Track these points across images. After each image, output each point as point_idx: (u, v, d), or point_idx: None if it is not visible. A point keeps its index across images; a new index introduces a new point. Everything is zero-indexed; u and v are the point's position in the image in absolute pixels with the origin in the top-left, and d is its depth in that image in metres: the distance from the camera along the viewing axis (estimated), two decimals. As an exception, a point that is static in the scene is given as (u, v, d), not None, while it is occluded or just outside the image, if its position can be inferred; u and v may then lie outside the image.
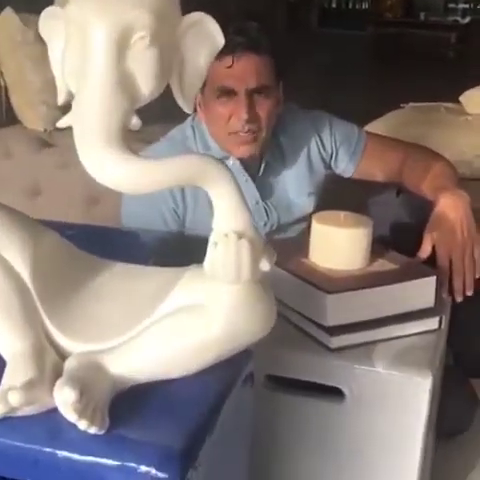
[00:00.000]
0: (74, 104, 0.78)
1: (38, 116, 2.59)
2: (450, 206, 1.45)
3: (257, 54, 1.51)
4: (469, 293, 1.40)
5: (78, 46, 0.77)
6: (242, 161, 1.60)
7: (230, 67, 1.49)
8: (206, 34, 0.83)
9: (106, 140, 0.75)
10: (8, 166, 2.42)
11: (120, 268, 0.97)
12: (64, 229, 0.98)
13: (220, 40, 0.84)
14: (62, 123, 0.80)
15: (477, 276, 1.42)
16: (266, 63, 1.53)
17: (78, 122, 0.77)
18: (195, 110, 1.59)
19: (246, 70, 1.51)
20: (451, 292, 1.39)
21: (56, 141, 2.50)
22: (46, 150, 2.46)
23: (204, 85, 1.51)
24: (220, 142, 1.58)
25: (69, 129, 0.79)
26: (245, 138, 1.54)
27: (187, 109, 0.85)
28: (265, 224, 1.64)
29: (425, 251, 1.41)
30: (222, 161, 0.81)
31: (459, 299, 1.39)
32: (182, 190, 1.56)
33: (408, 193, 1.66)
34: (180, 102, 0.84)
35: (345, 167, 1.71)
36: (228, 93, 1.52)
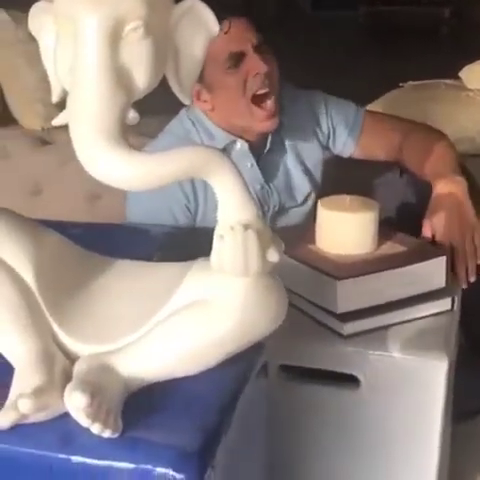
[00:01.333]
0: (69, 101, 0.76)
1: (35, 114, 2.57)
2: (447, 193, 1.43)
3: (244, 14, 1.53)
4: (472, 279, 1.38)
5: (69, 41, 0.75)
6: (250, 143, 1.58)
7: (228, 32, 1.47)
8: (200, 21, 0.81)
9: (104, 137, 0.73)
10: (7, 166, 2.40)
11: (125, 266, 0.95)
12: (66, 228, 0.97)
13: (214, 27, 0.82)
14: (58, 121, 0.79)
15: (479, 262, 1.40)
16: (253, 24, 1.54)
17: (74, 119, 0.75)
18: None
19: (244, 28, 1.52)
20: (454, 278, 1.37)
21: (54, 139, 2.47)
22: (44, 148, 2.44)
23: (203, 71, 1.49)
24: (240, 122, 1.56)
25: (67, 126, 0.77)
26: (270, 112, 1.52)
27: (185, 100, 0.83)
28: (268, 208, 1.62)
29: (425, 238, 1.39)
30: (225, 152, 0.79)
31: (463, 286, 1.37)
32: (193, 185, 1.54)
33: (411, 173, 1.64)
34: (178, 93, 0.82)
35: (343, 145, 1.69)
36: (236, 59, 1.50)
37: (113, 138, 0.73)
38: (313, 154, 1.68)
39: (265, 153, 1.62)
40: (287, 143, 1.65)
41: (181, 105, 0.87)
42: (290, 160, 1.66)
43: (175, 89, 0.82)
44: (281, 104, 1.59)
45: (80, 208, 2.33)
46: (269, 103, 1.52)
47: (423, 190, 1.52)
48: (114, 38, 0.74)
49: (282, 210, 1.65)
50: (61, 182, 2.35)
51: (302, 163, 1.67)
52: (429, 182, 1.49)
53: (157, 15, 0.76)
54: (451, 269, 1.35)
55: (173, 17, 0.79)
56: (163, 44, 0.78)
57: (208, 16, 0.81)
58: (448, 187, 1.44)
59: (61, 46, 0.77)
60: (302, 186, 1.67)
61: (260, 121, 1.54)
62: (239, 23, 1.51)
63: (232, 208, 0.78)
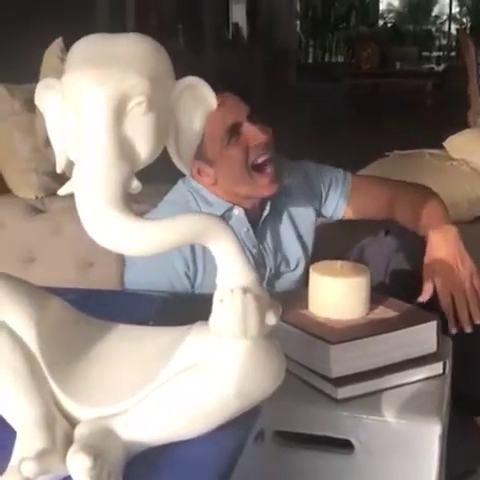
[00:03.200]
0: (75, 172, 0.79)
1: (28, 184, 2.61)
2: (441, 243, 1.48)
3: (231, 90, 1.57)
4: (478, 321, 1.41)
5: (76, 114, 0.78)
6: (246, 210, 1.62)
7: (220, 105, 1.52)
8: (199, 96, 0.85)
9: (109, 205, 0.76)
10: (1, 235, 2.43)
11: (124, 330, 0.97)
12: (62, 294, 0.98)
13: (213, 102, 0.86)
14: (63, 191, 0.81)
15: None
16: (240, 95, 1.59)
17: (80, 188, 0.78)
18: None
19: (236, 100, 1.57)
20: (458, 326, 1.40)
21: (48, 207, 2.51)
22: (38, 217, 2.47)
23: (203, 147, 1.54)
24: (243, 190, 1.60)
25: (61, 195, 0.80)
26: (271, 176, 1.56)
27: (185, 170, 0.86)
28: (264, 272, 1.65)
29: (427, 293, 1.43)
30: (223, 218, 0.82)
31: (468, 330, 1.40)
32: (193, 252, 1.57)
33: (397, 231, 1.68)
34: (178, 164, 0.86)
35: (335, 209, 1.74)
36: (233, 131, 1.54)
37: (118, 206, 0.76)
38: (306, 219, 1.73)
39: (261, 224, 1.66)
40: (283, 209, 1.70)
41: (180, 174, 0.90)
42: (285, 225, 1.70)
43: (175, 160, 0.85)
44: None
45: (72, 275, 2.34)
46: (270, 169, 1.57)
47: (410, 247, 1.57)
48: (119, 112, 0.77)
49: (277, 274, 1.69)
50: (54, 250, 2.37)
51: (296, 228, 1.71)
52: (418, 237, 1.53)
53: (160, 91, 0.80)
54: (454, 317, 1.38)
55: (174, 93, 0.83)
56: (165, 118, 0.82)
57: (207, 91, 0.85)
58: (443, 235, 1.49)
59: (68, 119, 0.80)
60: (295, 250, 1.71)
61: (263, 187, 1.58)
62: (230, 96, 1.56)
63: (231, 273, 0.80)
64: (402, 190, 1.69)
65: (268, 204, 1.65)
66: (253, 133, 1.55)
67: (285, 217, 1.71)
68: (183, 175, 1.62)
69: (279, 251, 1.69)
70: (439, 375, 1.29)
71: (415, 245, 1.53)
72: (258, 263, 1.64)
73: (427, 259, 1.46)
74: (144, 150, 0.79)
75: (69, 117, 0.79)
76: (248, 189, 1.59)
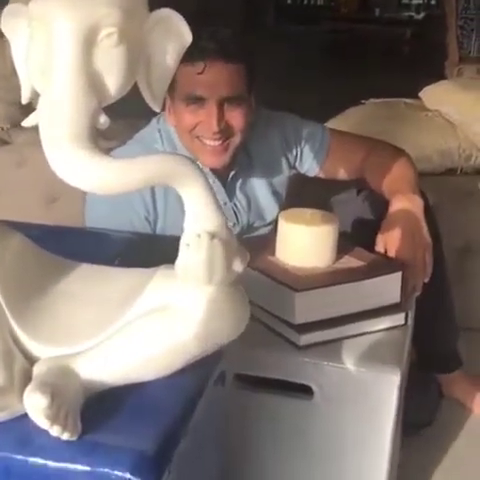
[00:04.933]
0: (40, 103, 0.76)
1: (-6, 114, 2.55)
2: (403, 210, 1.46)
3: (230, 62, 1.47)
4: (417, 294, 1.41)
5: (43, 44, 0.75)
6: (211, 168, 1.58)
7: (201, 73, 1.45)
8: (173, 31, 0.82)
9: (75, 140, 0.73)
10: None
11: (88, 270, 0.95)
12: (25, 229, 0.96)
13: (187, 37, 0.83)
14: (28, 122, 0.78)
15: (426, 280, 1.43)
16: (239, 72, 1.49)
17: (45, 121, 0.75)
18: (163, 109, 1.56)
19: (218, 78, 1.47)
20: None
21: (13, 139, 2.45)
22: (3, 148, 2.41)
23: (174, 91, 1.49)
24: (188, 148, 1.55)
25: (27, 127, 0.77)
26: (216, 148, 1.51)
27: (155, 107, 0.83)
28: (234, 225, 1.63)
29: (379, 253, 1.42)
30: (194, 160, 0.80)
31: (407, 301, 1.39)
32: (153, 196, 1.54)
33: (368, 191, 1.67)
34: (148, 100, 0.83)
35: (309, 166, 1.71)
36: (198, 101, 1.48)
37: (83, 141, 0.73)
38: (281, 175, 1.70)
39: (229, 180, 1.62)
40: (257, 166, 1.65)
41: (153, 112, 0.88)
42: (259, 182, 1.66)
43: (146, 96, 0.83)
44: (252, 132, 1.59)
45: (36, 210, 2.30)
46: (214, 144, 1.50)
47: (380, 208, 1.55)
48: (88, 43, 0.74)
49: (251, 229, 1.67)
50: (18, 183, 2.32)
51: (271, 184, 1.68)
52: (387, 200, 1.52)
53: (132, 22, 0.77)
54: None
55: (147, 25, 0.80)
56: (136, 51, 0.79)
57: (181, 26, 0.82)
58: (405, 204, 1.47)
59: (34, 48, 0.77)
60: (271, 206, 1.68)
61: (204, 155, 1.52)
62: (217, 69, 1.46)
63: (199, 217, 0.79)
64: (377, 153, 1.65)
65: (236, 162, 1.60)
66: (209, 118, 1.47)
67: (259, 174, 1.66)
68: (157, 115, 1.59)
69: (253, 207, 1.66)
70: (401, 326, 1.30)
71: (384, 207, 1.51)
72: (229, 219, 1.61)
73: (383, 226, 1.44)
74: (113, 84, 0.76)
75: (35, 46, 0.76)
76: (190, 151, 1.52)
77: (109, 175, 0.74)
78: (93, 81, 0.75)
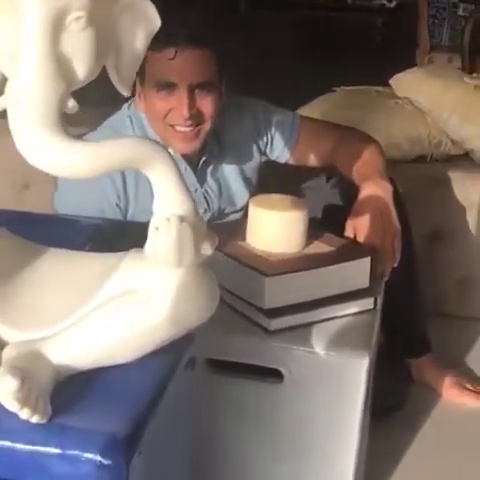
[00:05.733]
0: (8, 87, 0.76)
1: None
2: (372, 196, 1.47)
3: (201, 48, 1.47)
4: (386, 279, 1.43)
5: (11, 27, 0.75)
6: (182, 154, 1.58)
7: (172, 59, 1.45)
8: (142, 15, 0.82)
9: (43, 124, 0.73)
10: None
11: (58, 254, 0.95)
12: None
13: (156, 22, 0.83)
14: (-5, 106, 0.78)
15: (395, 265, 1.44)
16: (209, 58, 1.49)
17: (13, 106, 0.74)
18: (133, 95, 1.55)
19: (189, 64, 1.47)
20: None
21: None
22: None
23: (144, 77, 1.49)
24: (159, 134, 1.54)
25: (-1, 111, 0.77)
26: (187, 134, 1.51)
27: (124, 92, 0.84)
28: (205, 211, 1.63)
29: (348, 238, 1.43)
30: (163, 145, 0.80)
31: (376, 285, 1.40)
32: (124, 181, 1.53)
33: (338, 178, 1.68)
34: (117, 85, 0.83)
35: (280, 153, 1.72)
36: (169, 87, 1.48)
37: (51, 125, 0.73)
38: (252, 162, 1.70)
39: (200, 166, 1.62)
40: (228, 153, 1.65)
41: (124, 99, 0.88)
42: (230, 168, 1.66)
43: (114, 80, 0.83)
44: (222, 118, 1.59)
45: (7, 197, 2.28)
46: (189, 129, 1.50)
47: (349, 195, 1.57)
48: (56, 27, 0.74)
49: (222, 215, 1.67)
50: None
51: (242, 171, 1.68)
52: (357, 186, 1.53)
53: (100, 6, 0.76)
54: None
55: (116, 9, 0.80)
56: (104, 35, 0.79)
57: (150, 11, 0.82)
58: (374, 190, 1.48)
59: (1, 31, 0.76)
60: (241, 192, 1.68)
61: (175, 141, 1.52)
62: (188, 55, 1.46)
63: (168, 200, 0.79)
64: (347, 140, 1.66)
65: (207, 148, 1.61)
66: (179, 104, 1.47)
67: (230, 160, 1.67)
68: (127, 101, 1.58)
69: (224, 193, 1.67)
70: (370, 310, 1.31)
71: (354, 193, 1.52)
72: (200, 205, 1.61)
73: (353, 212, 1.45)
74: (81, 68, 0.76)
75: (3, 29, 0.75)
76: (161, 137, 1.52)
77: (78, 158, 0.74)
78: (61, 65, 0.75)
